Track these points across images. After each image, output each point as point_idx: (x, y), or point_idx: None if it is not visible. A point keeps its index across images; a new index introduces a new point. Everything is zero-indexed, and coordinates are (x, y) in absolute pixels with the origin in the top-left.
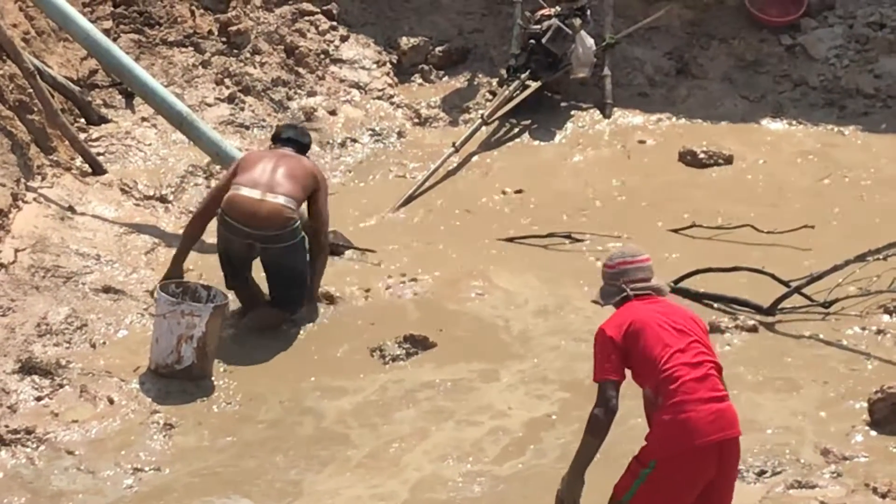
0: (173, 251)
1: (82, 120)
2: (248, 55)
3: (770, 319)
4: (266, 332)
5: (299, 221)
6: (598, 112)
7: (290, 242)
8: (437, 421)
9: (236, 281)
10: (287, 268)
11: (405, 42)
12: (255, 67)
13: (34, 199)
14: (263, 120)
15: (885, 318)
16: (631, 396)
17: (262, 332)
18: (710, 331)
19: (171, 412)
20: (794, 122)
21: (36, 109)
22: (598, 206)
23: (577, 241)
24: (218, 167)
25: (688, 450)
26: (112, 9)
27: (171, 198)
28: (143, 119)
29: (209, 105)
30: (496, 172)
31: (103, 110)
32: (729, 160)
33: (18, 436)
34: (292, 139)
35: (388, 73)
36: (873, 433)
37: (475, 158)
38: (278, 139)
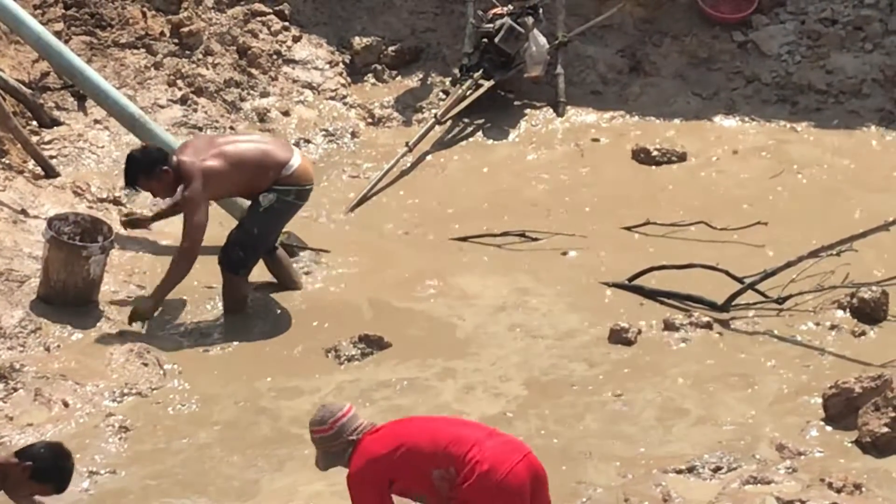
0: (127, 254)
1: (34, 123)
2: (200, 56)
3: (724, 316)
4: (221, 331)
5: None
6: (551, 111)
7: None
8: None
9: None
10: None
11: (358, 42)
12: (207, 69)
13: None
14: (216, 121)
15: (839, 313)
16: (589, 393)
17: (218, 331)
18: (665, 328)
19: (127, 415)
20: (746, 119)
21: None
22: (552, 205)
23: (532, 239)
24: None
25: None
26: (63, 11)
27: (124, 200)
28: (96, 121)
29: (162, 107)
30: (450, 172)
31: (55, 113)
32: (682, 157)
33: None
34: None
35: (341, 74)
36: (828, 428)
37: (429, 158)
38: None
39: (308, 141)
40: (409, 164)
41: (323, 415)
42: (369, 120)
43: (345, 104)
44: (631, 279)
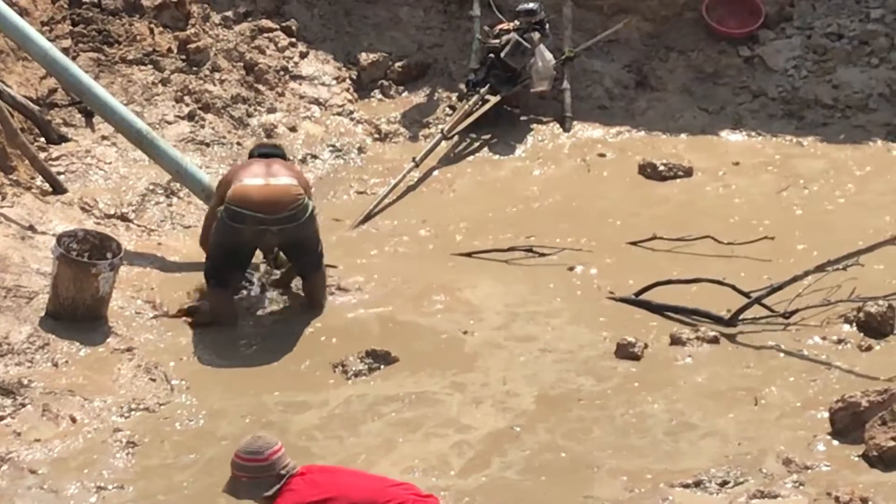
0: (135, 269)
1: (42, 139)
2: (207, 72)
3: (731, 330)
4: (228, 347)
5: (306, 196)
6: (557, 126)
7: (302, 220)
8: (404, 433)
9: (231, 275)
10: (304, 238)
11: (364, 57)
12: (214, 85)
13: None
14: (224, 137)
15: (846, 327)
16: (597, 407)
17: (224, 347)
18: (672, 342)
19: (134, 430)
20: (753, 134)
21: None
22: (559, 220)
23: (539, 254)
24: (178, 185)
25: None
26: (71, 27)
27: (131, 216)
28: (103, 138)
29: (169, 123)
30: (456, 187)
31: (63, 129)
32: (689, 172)
33: None
34: (268, 153)
35: (347, 89)
36: (835, 442)
37: (436, 173)
38: (254, 155)
39: (315, 156)
40: (415, 180)
41: (260, 445)
42: (376, 135)
43: (351, 120)
44: (638, 294)
